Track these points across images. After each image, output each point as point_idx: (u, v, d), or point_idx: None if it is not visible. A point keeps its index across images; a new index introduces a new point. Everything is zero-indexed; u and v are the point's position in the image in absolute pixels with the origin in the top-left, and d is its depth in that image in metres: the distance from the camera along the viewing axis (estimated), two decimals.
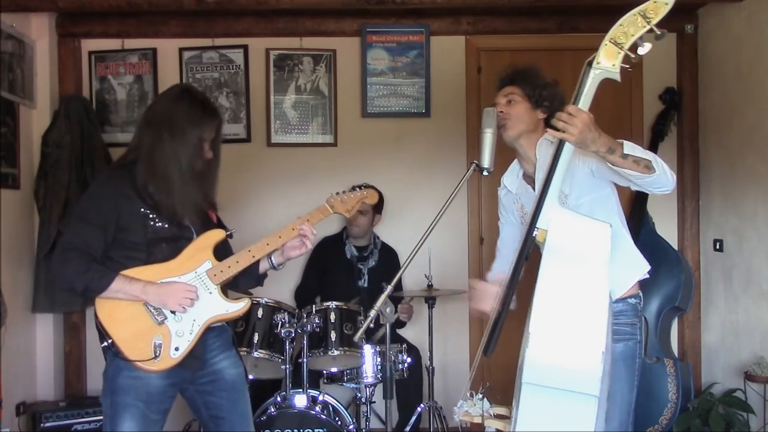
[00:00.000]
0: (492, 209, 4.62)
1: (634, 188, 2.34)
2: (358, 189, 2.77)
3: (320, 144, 4.64)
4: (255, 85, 4.62)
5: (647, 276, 2.55)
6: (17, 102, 4.06)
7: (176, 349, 2.46)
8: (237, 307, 2.57)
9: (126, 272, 2.44)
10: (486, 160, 2.36)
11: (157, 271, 2.48)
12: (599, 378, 1.95)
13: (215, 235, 2.59)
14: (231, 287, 2.66)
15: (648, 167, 2.18)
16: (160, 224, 2.48)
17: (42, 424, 3.83)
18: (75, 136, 4.21)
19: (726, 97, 4.22)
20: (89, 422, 3.87)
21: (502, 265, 2.63)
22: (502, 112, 2.59)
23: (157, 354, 2.43)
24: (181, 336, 2.47)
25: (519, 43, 4.60)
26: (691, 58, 4.55)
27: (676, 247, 4.49)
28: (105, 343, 2.45)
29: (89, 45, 4.58)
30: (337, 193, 2.73)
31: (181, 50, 4.60)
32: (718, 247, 4.32)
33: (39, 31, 4.33)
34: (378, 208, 4.34)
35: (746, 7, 3.99)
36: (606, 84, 4.88)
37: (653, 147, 4.53)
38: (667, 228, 4.53)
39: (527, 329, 2.02)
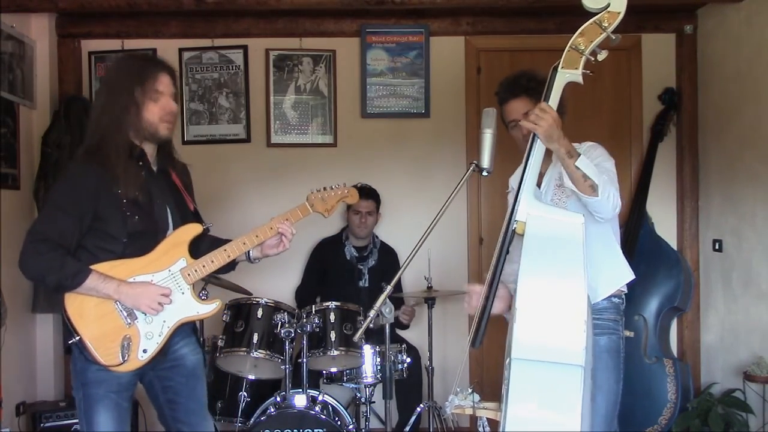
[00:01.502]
0: (491, 209, 4.64)
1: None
2: (336, 186, 2.75)
3: (320, 144, 4.65)
4: (255, 85, 4.62)
5: (633, 277, 2.64)
6: (17, 102, 4.07)
7: (144, 351, 2.44)
8: (207, 309, 2.55)
9: (99, 267, 2.38)
10: (485, 161, 2.37)
11: (130, 267, 2.43)
12: (583, 348, 2.04)
13: (192, 230, 2.54)
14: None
15: (593, 188, 2.34)
16: (137, 217, 2.42)
17: (42, 424, 3.82)
18: (75, 137, 4.21)
19: (725, 98, 4.22)
20: None
21: (512, 264, 2.69)
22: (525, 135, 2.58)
23: (125, 357, 2.40)
24: (150, 338, 2.45)
25: (518, 44, 4.61)
26: (691, 58, 4.55)
27: (675, 247, 4.50)
28: (73, 340, 2.41)
29: (89, 45, 4.58)
30: (318, 190, 2.71)
31: (181, 51, 4.60)
32: (717, 247, 4.32)
33: (39, 32, 4.33)
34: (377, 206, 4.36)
35: (745, 7, 4.00)
36: (606, 84, 4.90)
37: (653, 147, 4.54)
38: (666, 228, 4.54)
39: (514, 308, 2.11)
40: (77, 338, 2.40)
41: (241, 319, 3.59)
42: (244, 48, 4.61)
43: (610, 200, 2.39)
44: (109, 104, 2.43)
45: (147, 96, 2.42)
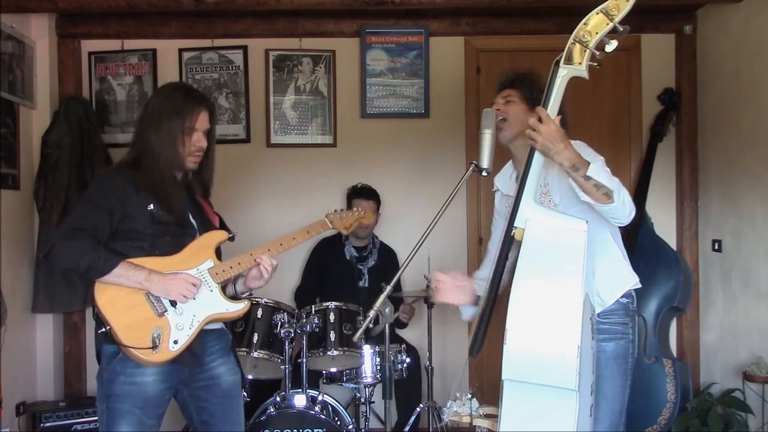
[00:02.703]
0: (491, 210, 4.62)
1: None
2: (355, 209, 2.85)
3: (319, 144, 4.65)
4: (254, 85, 4.63)
5: (638, 286, 2.56)
6: (17, 102, 4.07)
7: (175, 342, 2.44)
8: (237, 307, 2.57)
9: (130, 260, 2.42)
10: (485, 161, 2.37)
11: (159, 264, 2.46)
12: (576, 372, 1.96)
13: (218, 236, 2.60)
14: None
15: (607, 195, 2.22)
16: (165, 220, 2.47)
17: (42, 424, 3.83)
18: (75, 137, 4.22)
19: (724, 98, 4.23)
20: (89, 422, 3.87)
21: (488, 266, 2.67)
22: (499, 110, 2.60)
23: (156, 344, 2.40)
24: (181, 329, 2.46)
25: (518, 44, 4.61)
26: (690, 58, 4.56)
27: (674, 247, 4.50)
28: (102, 330, 2.41)
29: (89, 46, 4.58)
30: (335, 211, 2.79)
31: (181, 51, 4.60)
32: (716, 247, 4.33)
33: (39, 32, 4.33)
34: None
35: (744, 8, 4.00)
36: (605, 85, 4.88)
37: (652, 148, 4.55)
38: (665, 228, 4.54)
39: (504, 326, 2.04)
40: (108, 328, 2.40)
41: (241, 319, 3.58)
42: (244, 48, 4.61)
43: (626, 204, 2.27)
44: (150, 129, 2.54)
45: (181, 131, 2.52)
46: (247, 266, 2.58)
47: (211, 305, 2.53)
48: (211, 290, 2.54)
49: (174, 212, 2.50)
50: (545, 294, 2.03)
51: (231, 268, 2.56)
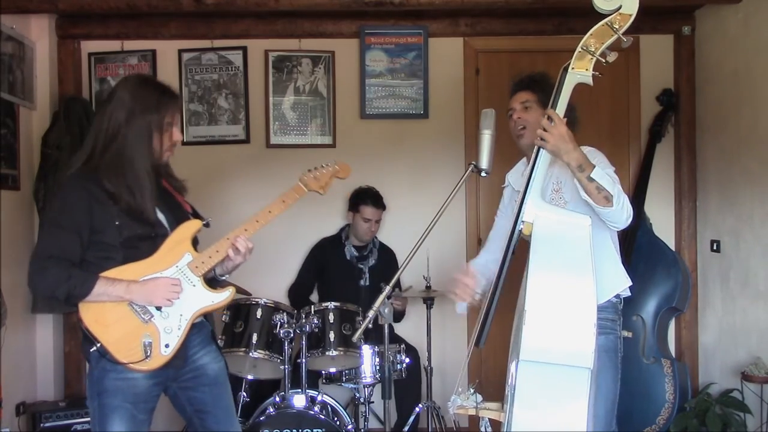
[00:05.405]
0: (490, 210, 4.64)
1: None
2: (327, 164, 2.77)
3: (319, 145, 4.66)
4: (254, 86, 4.63)
5: (628, 293, 2.65)
6: (17, 103, 4.08)
7: (167, 346, 2.44)
8: (222, 296, 2.55)
9: (107, 273, 2.39)
10: (484, 162, 2.40)
11: (137, 269, 2.44)
12: (593, 350, 2.05)
13: (192, 226, 2.55)
14: None
15: (607, 199, 2.32)
16: (132, 225, 2.43)
17: (42, 424, 3.83)
18: (75, 138, 4.22)
19: (722, 99, 4.24)
20: (89, 422, 3.86)
21: (490, 255, 2.78)
22: (519, 118, 2.67)
23: (148, 354, 2.40)
24: (169, 333, 2.45)
25: (517, 45, 4.62)
26: (688, 59, 4.56)
27: (673, 247, 4.51)
28: (93, 348, 2.39)
29: (89, 46, 4.59)
30: (309, 170, 2.73)
31: (180, 52, 4.61)
32: (715, 247, 4.33)
33: (39, 33, 4.34)
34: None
35: (743, 8, 4.01)
36: (604, 86, 4.91)
37: (651, 148, 4.56)
38: (664, 229, 4.55)
39: (521, 311, 2.11)
40: (98, 345, 2.39)
41: (241, 319, 3.60)
42: (244, 49, 4.62)
43: (624, 209, 2.36)
44: (123, 127, 2.46)
45: (159, 127, 2.49)
46: (225, 252, 2.55)
47: (197, 300, 2.51)
48: (194, 285, 2.50)
49: (144, 215, 2.43)
50: (560, 281, 2.12)
51: (210, 257, 2.53)
